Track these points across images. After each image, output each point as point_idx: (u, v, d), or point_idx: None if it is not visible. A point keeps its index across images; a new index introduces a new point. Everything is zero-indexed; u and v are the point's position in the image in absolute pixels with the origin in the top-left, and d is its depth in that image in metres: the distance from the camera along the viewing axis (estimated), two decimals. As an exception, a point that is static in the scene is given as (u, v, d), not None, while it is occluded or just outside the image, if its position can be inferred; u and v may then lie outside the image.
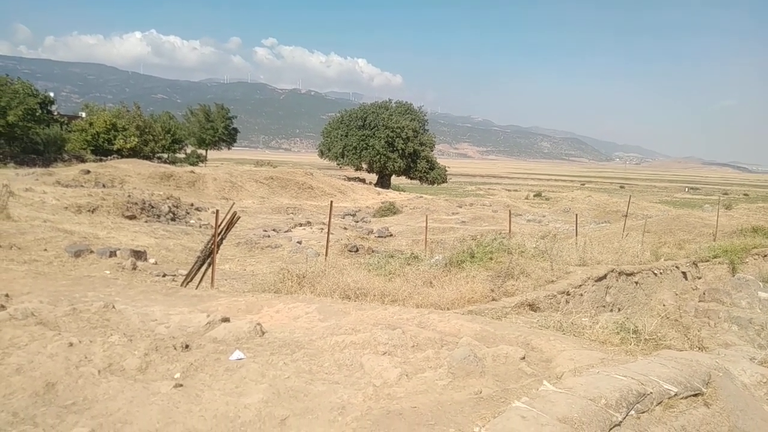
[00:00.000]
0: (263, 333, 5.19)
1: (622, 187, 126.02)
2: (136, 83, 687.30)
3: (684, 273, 14.06)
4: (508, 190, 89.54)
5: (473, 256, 11.41)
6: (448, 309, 8.49)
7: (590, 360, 4.19)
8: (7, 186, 20.20)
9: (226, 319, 5.40)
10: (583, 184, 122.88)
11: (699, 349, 5.30)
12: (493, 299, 9.38)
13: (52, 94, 56.10)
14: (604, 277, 11.20)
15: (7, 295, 6.31)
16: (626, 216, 21.34)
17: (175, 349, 4.64)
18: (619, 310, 11.59)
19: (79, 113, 62.70)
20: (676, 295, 13.05)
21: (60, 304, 6.20)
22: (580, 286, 10.44)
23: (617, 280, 11.65)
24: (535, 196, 70.91)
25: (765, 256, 16.32)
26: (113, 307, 5.81)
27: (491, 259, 11.16)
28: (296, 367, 4.38)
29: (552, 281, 10.41)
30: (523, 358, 4.21)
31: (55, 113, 55.87)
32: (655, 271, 12.95)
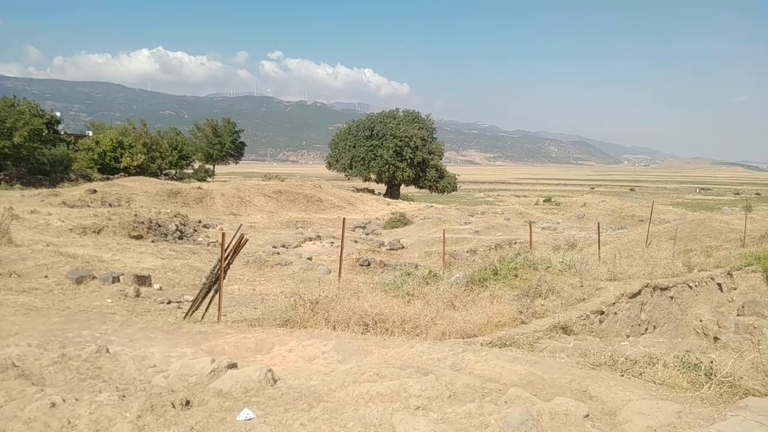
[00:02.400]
0: (275, 381, 4.54)
1: (632, 189, 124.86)
2: (144, 100, 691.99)
3: (719, 284, 13.28)
4: (518, 196, 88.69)
5: (496, 273, 10.73)
6: (476, 335, 7.82)
7: (666, 416, 3.51)
8: (10, 209, 19.73)
9: (232, 365, 4.75)
10: (593, 188, 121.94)
11: (785, 391, 4.60)
12: (523, 322, 8.69)
13: (58, 114, 56.02)
14: (639, 292, 10.47)
15: (-9, 339, 5.71)
16: (649, 223, 20.55)
17: (173, 407, 3.99)
18: (655, 327, 10.85)
19: (86, 132, 62.68)
20: (713, 309, 12.28)
21: (49, 347, 5.59)
22: (614, 303, 9.71)
23: (652, 296, 10.90)
24: (544, 201, 70.10)
25: (801, 262, 15.47)
26: (107, 351, 5.18)
27: (516, 276, 10.48)
28: (315, 429, 3.72)
29: (583, 299, 9.70)
30: (587, 415, 3.53)
31: (62, 133, 55.71)
32: (690, 284, 12.18)
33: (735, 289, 13.82)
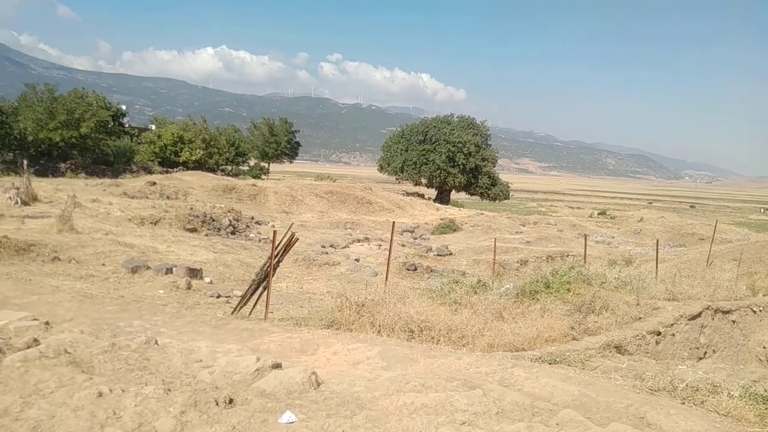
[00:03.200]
0: (318, 384, 4.47)
1: (692, 206, 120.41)
2: (205, 97, 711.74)
3: (786, 311, 12.53)
4: (571, 208, 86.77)
5: (548, 286, 10.42)
6: (524, 349, 7.59)
7: (733, 452, 3.26)
8: (74, 197, 20.54)
9: (277, 365, 4.72)
10: (651, 203, 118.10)
11: None
12: (574, 338, 8.40)
13: (124, 107, 58.11)
14: (699, 315, 9.97)
15: (47, 323, 5.86)
16: (712, 242, 19.68)
17: (217, 404, 3.98)
18: (714, 352, 10.32)
19: (149, 126, 64.84)
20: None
21: (101, 335, 5.70)
22: (672, 325, 9.27)
23: (713, 319, 10.38)
24: (599, 214, 68.29)
25: None
26: (156, 342, 5.24)
27: (569, 290, 10.14)
28: (357, 437, 3.64)
29: (639, 318, 9.30)
30: (646, 446, 3.32)
31: (127, 125, 57.77)
32: (754, 309, 11.53)
33: (804, 317, 13.02)
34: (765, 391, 4.54)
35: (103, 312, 6.77)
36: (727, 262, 19.20)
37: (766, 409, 4.28)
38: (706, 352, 10.06)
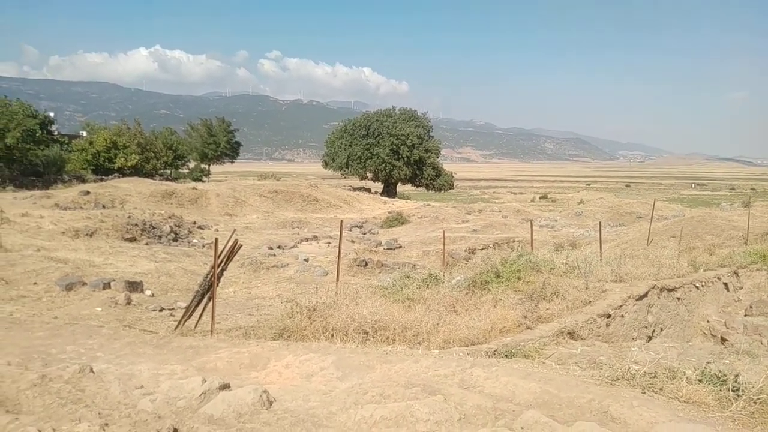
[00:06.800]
0: (270, 403, 4.21)
1: (628, 185, 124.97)
2: (140, 100, 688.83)
3: (725, 284, 13.01)
4: (514, 193, 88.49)
5: (498, 276, 10.41)
6: (480, 343, 7.52)
7: (699, 443, 3.20)
8: (1, 212, 19.38)
9: (225, 386, 4.43)
10: (589, 185, 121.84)
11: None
12: (528, 327, 8.39)
13: (52, 114, 55.51)
14: (645, 294, 10.18)
15: (-32, 357, 5.36)
16: (651, 220, 20.29)
17: (159, 437, 3.67)
18: (662, 330, 10.57)
19: (80, 132, 62.18)
20: (720, 309, 12.01)
21: (31, 365, 5.24)
22: (621, 306, 9.42)
23: (659, 297, 10.62)
24: (540, 198, 69.95)
25: (806, 260, 15.19)
26: (91, 370, 4.84)
27: (519, 278, 10.16)
28: (314, 460, 3.41)
29: (589, 302, 9.40)
30: (613, 444, 3.23)
31: (56, 133, 55.17)
32: (697, 284, 11.90)
33: (741, 288, 13.55)
34: (719, 372, 4.57)
35: (32, 339, 6.26)
36: (667, 239, 19.84)
37: (723, 391, 4.30)
38: (654, 331, 10.30)
